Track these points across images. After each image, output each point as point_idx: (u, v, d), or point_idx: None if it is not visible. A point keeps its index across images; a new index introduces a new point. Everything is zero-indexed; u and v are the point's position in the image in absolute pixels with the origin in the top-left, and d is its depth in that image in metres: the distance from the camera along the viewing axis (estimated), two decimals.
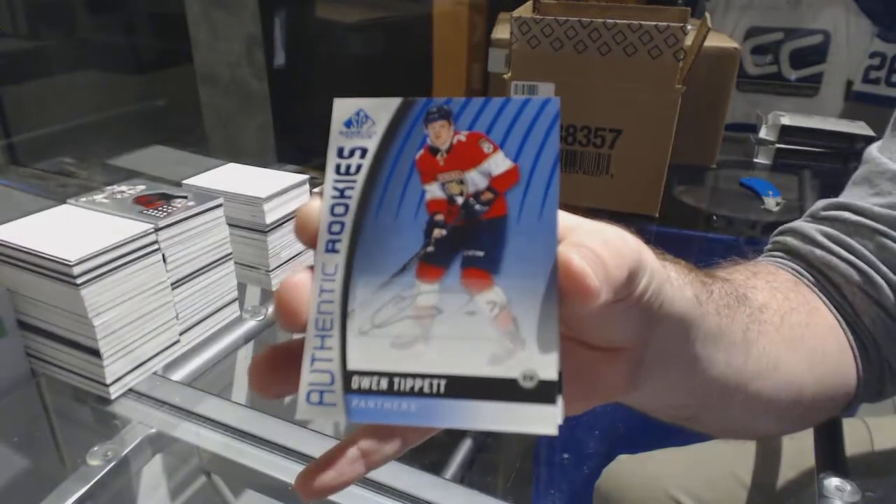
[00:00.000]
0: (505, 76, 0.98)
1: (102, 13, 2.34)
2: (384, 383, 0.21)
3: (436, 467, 0.78)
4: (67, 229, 0.57)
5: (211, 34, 2.05)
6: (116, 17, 2.36)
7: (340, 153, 0.23)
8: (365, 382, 0.21)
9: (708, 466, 0.65)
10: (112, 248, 0.55)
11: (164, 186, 0.67)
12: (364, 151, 0.22)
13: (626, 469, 0.69)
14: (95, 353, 0.56)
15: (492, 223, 0.22)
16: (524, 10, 1.01)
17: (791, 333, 0.38)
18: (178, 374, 0.63)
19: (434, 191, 0.22)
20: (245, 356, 0.73)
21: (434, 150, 0.22)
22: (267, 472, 0.52)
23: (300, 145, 2.17)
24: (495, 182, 0.22)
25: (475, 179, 0.22)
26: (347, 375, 0.21)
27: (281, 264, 0.76)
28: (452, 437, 0.85)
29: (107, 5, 2.34)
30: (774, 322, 0.37)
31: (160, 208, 0.61)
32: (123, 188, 0.66)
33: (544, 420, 0.20)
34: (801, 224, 0.47)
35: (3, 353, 0.59)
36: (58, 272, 0.53)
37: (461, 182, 0.22)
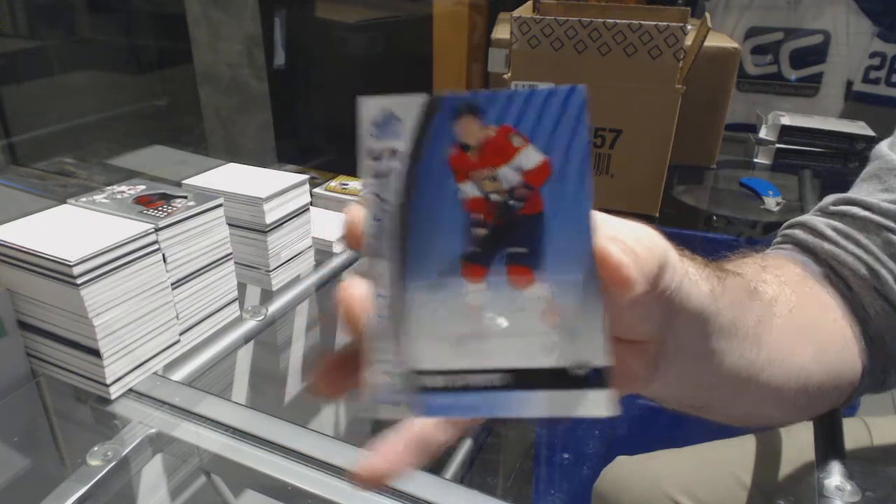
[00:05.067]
0: (505, 76, 0.98)
1: (102, 13, 2.34)
2: (448, 380, 0.22)
3: (436, 467, 0.77)
4: (67, 229, 0.57)
5: (211, 34, 2.06)
6: (116, 17, 2.36)
7: (372, 155, 0.23)
8: (429, 381, 0.22)
9: (707, 466, 0.65)
10: (112, 248, 0.55)
11: (164, 186, 0.67)
12: (396, 153, 0.23)
13: (625, 470, 0.69)
14: (95, 353, 0.56)
15: (529, 219, 0.22)
16: (524, 10, 1.01)
17: (799, 325, 0.39)
18: (178, 374, 0.63)
19: (469, 189, 0.22)
20: (245, 356, 0.73)
21: (465, 147, 0.22)
22: (267, 472, 0.52)
23: (300, 145, 2.17)
24: (528, 177, 0.22)
25: (508, 175, 0.22)
26: (413, 375, 0.22)
27: (281, 264, 0.76)
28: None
29: (107, 5, 2.34)
30: (783, 315, 0.38)
31: (160, 208, 0.61)
32: (123, 188, 0.66)
33: (601, 404, 0.21)
34: (810, 218, 0.48)
35: (3, 353, 0.59)
36: (58, 272, 0.53)
37: (494, 179, 0.22)
